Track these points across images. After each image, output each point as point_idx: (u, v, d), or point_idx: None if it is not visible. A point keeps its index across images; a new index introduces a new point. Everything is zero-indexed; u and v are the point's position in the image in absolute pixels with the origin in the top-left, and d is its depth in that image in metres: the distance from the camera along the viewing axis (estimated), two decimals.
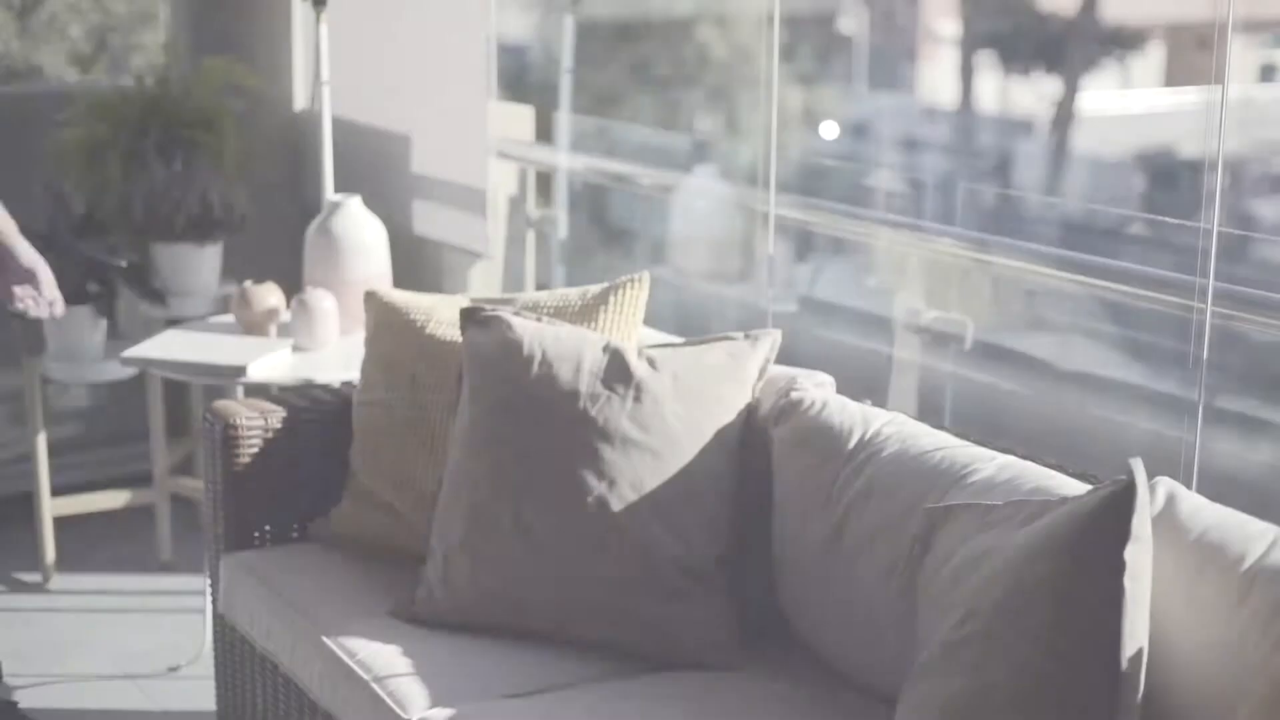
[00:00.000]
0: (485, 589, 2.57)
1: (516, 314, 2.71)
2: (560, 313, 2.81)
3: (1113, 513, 1.88)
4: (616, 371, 2.60)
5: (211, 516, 3.01)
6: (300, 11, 4.66)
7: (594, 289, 2.86)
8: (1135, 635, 1.84)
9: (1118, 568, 1.84)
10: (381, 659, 2.49)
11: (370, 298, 3.01)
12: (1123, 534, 1.86)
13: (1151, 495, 2.04)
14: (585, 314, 2.81)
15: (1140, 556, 1.87)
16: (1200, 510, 2.02)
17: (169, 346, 3.58)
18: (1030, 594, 1.87)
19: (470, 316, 2.73)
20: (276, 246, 4.43)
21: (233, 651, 2.95)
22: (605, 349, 2.64)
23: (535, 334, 2.66)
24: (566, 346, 2.64)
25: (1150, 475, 2.00)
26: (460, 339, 2.76)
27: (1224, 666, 1.87)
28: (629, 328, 2.83)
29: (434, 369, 2.85)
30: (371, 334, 2.97)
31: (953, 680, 1.90)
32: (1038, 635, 1.84)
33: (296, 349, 3.56)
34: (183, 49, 4.57)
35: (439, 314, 2.90)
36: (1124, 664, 1.82)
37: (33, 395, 3.88)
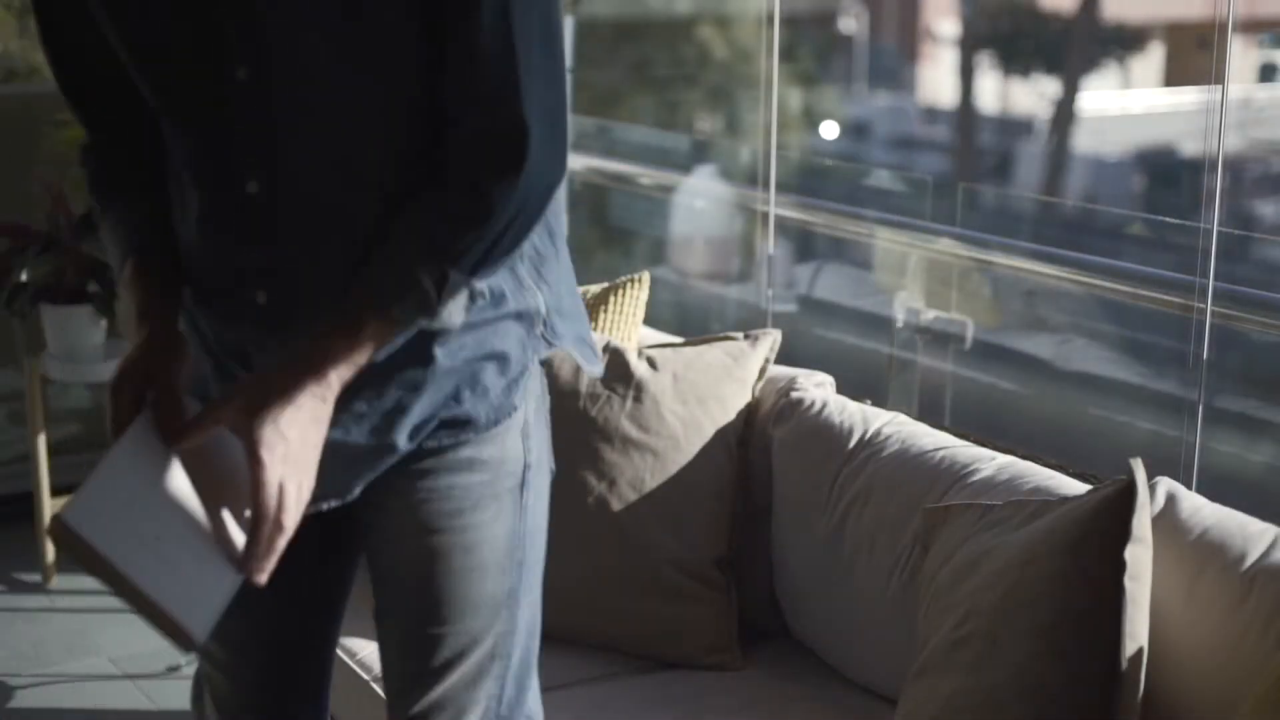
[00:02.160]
0: None
1: None
2: None
3: (1113, 513, 1.88)
4: (616, 371, 2.60)
5: None
6: None
7: (594, 289, 2.85)
8: (1135, 635, 1.84)
9: (1118, 568, 1.84)
10: None
11: None
12: (1123, 534, 1.86)
13: (1151, 495, 2.04)
14: None
15: (1140, 556, 1.87)
16: (1200, 510, 2.02)
17: None
18: (1030, 594, 1.87)
19: None
20: None
21: None
22: (605, 349, 2.63)
23: None
24: None
25: (1150, 475, 2.00)
26: None
27: (1224, 666, 1.87)
28: (629, 328, 2.82)
29: None
30: None
31: (953, 680, 1.90)
32: (1038, 635, 1.84)
33: None
34: None
35: None
36: (1124, 664, 1.82)
37: (33, 395, 3.87)
